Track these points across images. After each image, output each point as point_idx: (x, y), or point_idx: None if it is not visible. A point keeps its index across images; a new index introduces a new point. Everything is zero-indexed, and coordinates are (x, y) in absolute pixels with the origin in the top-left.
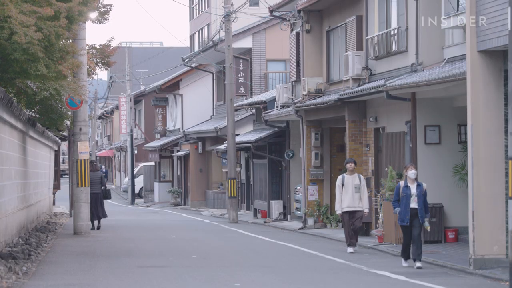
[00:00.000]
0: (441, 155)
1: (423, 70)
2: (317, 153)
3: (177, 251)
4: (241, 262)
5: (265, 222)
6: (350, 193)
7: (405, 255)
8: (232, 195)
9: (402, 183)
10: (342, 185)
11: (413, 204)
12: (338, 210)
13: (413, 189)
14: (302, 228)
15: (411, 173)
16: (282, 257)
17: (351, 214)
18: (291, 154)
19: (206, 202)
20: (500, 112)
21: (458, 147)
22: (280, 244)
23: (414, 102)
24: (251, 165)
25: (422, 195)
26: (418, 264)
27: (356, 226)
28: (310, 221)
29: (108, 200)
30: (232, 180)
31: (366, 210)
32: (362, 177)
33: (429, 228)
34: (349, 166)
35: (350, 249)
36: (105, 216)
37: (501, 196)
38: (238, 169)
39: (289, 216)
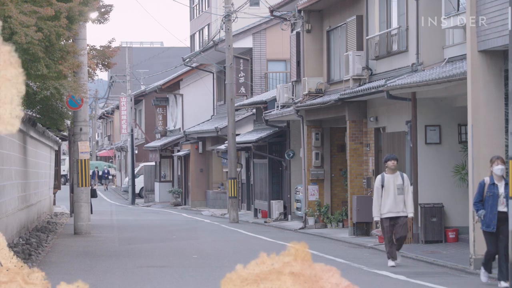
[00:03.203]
0: (442, 155)
1: (424, 70)
2: (318, 153)
3: (177, 251)
4: (241, 262)
5: (265, 222)
6: (392, 196)
7: (488, 267)
8: (233, 195)
9: (487, 179)
10: (382, 186)
11: (502, 207)
12: (377, 217)
13: (501, 188)
14: (302, 228)
15: (497, 168)
16: None
17: (393, 220)
18: (291, 154)
19: (206, 202)
20: (500, 112)
21: (459, 147)
22: (280, 244)
23: (414, 102)
24: (252, 165)
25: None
26: (505, 284)
27: (400, 235)
28: (311, 221)
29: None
30: (232, 180)
31: (411, 215)
32: (405, 176)
33: None
34: (391, 163)
35: (391, 262)
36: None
37: None
38: (238, 169)
39: (289, 216)
